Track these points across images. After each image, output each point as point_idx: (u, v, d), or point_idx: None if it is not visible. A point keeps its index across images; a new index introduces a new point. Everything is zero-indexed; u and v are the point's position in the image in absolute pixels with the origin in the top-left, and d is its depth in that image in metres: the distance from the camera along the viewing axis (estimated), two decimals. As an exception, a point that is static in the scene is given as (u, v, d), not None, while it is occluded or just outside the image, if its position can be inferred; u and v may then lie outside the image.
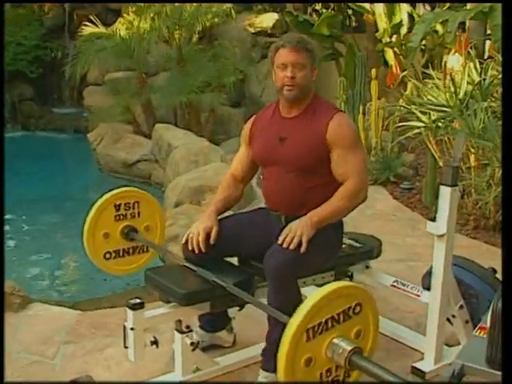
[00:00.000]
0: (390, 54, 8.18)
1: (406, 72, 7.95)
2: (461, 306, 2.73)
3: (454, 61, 7.84)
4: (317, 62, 2.73)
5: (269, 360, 2.52)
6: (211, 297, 2.52)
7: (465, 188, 4.80)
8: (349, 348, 1.98)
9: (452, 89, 4.45)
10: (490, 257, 4.37)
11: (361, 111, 6.72)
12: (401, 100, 6.74)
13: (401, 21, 7.99)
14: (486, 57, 6.46)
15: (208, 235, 2.68)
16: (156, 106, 7.84)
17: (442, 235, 2.56)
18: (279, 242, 2.53)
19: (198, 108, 7.81)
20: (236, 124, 8.33)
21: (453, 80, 4.31)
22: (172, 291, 2.49)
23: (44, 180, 7.68)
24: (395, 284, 2.98)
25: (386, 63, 8.33)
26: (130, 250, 3.07)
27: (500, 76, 4.53)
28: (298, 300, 2.44)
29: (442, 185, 2.55)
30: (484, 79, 4.52)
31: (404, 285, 2.95)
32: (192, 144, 6.68)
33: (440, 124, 4.70)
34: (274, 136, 2.72)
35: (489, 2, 5.30)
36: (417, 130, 4.76)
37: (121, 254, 3.04)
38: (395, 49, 8.12)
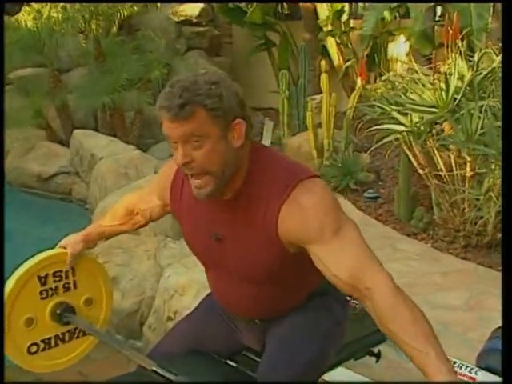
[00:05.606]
0: (331, 44, 7.45)
1: (349, 62, 7.32)
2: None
3: (400, 49, 7.30)
4: (236, 110, 1.62)
5: None
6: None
7: (455, 201, 4.13)
8: None
9: (442, 86, 3.72)
10: (491, 284, 3.73)
11: (309, 108, 5.96)
12: (353, 94, 6.04)
13: (342, 7, 7.28)
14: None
15: None
16: (73, 108, 6.78)
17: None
18: None
19: (122, 109, 6.81)
20: (164, 126, 7.39)
21: (446, 76, 3.58)
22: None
23: None
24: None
25: (323, 53, 7.62)
26: (66, 336, 2.12)
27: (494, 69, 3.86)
28: None
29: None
30: (476, 74, 3.82)
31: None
32: (120, 154, 5.73)
33: (422, 127, 3.99)
34: (206, 230, 1.79)
35: (489, 2, 4.71)
36: (397, 136, 4.02)
37: (52, 343, 2.09)
38: (336, 38, 7.42)
